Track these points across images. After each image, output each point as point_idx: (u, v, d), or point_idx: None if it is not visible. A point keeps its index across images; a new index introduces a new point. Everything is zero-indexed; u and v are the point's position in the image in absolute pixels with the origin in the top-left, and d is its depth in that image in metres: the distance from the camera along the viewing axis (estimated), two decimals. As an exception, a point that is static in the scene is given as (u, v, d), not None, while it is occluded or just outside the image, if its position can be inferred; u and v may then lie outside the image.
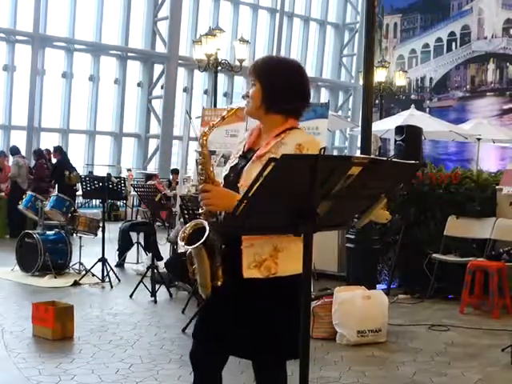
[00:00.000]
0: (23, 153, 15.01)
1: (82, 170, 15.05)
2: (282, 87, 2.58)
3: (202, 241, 2.49)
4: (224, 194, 2.53)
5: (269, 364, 2.72)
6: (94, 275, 8.06)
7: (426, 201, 7.76)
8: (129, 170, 17.40)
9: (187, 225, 2.63)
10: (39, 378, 4.55)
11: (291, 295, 2.53)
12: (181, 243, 2.60)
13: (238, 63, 12.58)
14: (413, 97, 20.09)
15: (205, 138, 2.63)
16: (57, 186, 12.82)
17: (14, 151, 13.11)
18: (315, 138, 2.66)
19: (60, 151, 13.55)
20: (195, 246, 2.51)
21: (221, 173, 2.79)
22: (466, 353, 5.38)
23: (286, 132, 2.59)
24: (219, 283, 2.55)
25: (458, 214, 7.53)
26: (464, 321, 6.47)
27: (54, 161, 13.48)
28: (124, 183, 8.79)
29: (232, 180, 2.64)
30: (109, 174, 10.69)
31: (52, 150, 13.59)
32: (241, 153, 2.71)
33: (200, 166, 2.60)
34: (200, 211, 2.62)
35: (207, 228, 2.51)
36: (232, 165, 2.71)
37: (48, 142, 16.62)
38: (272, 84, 2.58)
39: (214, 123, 2.67)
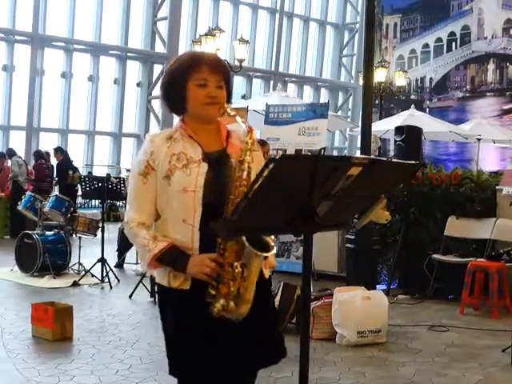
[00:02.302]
0: (22, 153, 15.03)
1: (81, 171, 15.01)
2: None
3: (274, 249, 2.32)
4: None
5: None
6: (93, 276, 8.06)
7: (426, 201, 7.75)
8: (128, 170, 17.29)
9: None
10: (39, 378, 4.54)
11: None
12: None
13: (237, 63, 12.57)
14: (413, 97, 20.09)
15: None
16: (58, 186, 12.82)
17: (11, 153, 13.13)
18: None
19: (61, 151, 13.56)
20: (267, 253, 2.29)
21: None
22: (466, 353, 5.37)
23: (226, 126, 2.53)
24: None
25: (457, 214, 7.53)
26: (464, 321, 6.46)
27: (53, 162, 13.47)
28: (123, 183, 8.78)
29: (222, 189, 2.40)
30: (108, 175, 10.70)
31: (52, 151, 13.58)
32: (200, 158, 2.41)
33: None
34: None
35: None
36: (203, 171, 2.39)
37: (47, 142, 16.61)
38: (231, 86, 2.54)
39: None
